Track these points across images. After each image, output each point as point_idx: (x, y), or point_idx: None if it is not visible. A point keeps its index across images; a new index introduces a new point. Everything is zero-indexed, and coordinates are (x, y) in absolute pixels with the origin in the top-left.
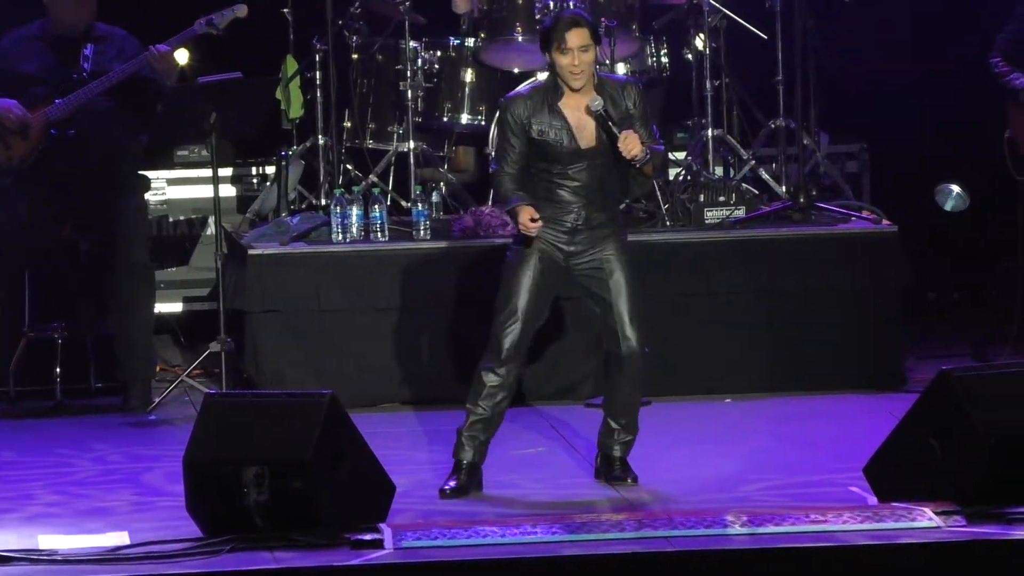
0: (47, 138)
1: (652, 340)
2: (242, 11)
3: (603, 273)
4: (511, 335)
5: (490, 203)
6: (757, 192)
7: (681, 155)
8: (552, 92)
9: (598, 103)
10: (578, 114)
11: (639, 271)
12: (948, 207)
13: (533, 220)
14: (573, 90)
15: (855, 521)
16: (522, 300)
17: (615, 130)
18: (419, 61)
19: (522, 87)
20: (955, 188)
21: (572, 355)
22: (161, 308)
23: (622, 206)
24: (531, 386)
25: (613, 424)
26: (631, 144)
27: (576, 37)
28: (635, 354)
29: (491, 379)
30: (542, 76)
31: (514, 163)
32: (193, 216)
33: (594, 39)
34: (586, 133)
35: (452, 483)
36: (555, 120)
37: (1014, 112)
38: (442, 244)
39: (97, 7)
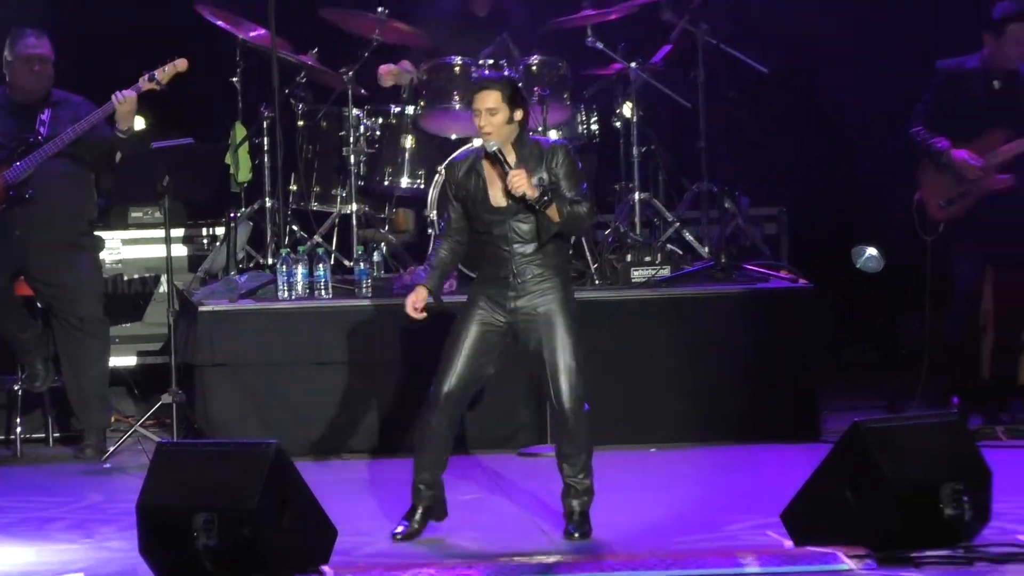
0: (6, 200)
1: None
2: (182, 65)
3: (542, 329)
4: (445, 388)
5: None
6: (681, 252)
7: (610, 217)
8: (481, 153)
9: (493, 145)
10: (494, 174)
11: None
12: (865, 268)
13: (416, 308)
14: (488, 151)
15: (773, 564)
16: (459, 360)
17: (506, 168)
18: (361, 128)
19: (459, 152)
20: (871, 250)
21: (509, 406)
22: (116, 361)
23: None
24: (470, 435)
25: (566, 480)
26: (518, 181)
27: (480, 100)
28: (568, 410)
29: (429, 428)
30: (477, 142)
31: (453, 225)
32: (147, 274)
33: (508, 102)
34: (499, 193)
35: (403, 527)
36: (477, 180)
37: (926, 177)
38: (383, 301)
39: (53, 74)
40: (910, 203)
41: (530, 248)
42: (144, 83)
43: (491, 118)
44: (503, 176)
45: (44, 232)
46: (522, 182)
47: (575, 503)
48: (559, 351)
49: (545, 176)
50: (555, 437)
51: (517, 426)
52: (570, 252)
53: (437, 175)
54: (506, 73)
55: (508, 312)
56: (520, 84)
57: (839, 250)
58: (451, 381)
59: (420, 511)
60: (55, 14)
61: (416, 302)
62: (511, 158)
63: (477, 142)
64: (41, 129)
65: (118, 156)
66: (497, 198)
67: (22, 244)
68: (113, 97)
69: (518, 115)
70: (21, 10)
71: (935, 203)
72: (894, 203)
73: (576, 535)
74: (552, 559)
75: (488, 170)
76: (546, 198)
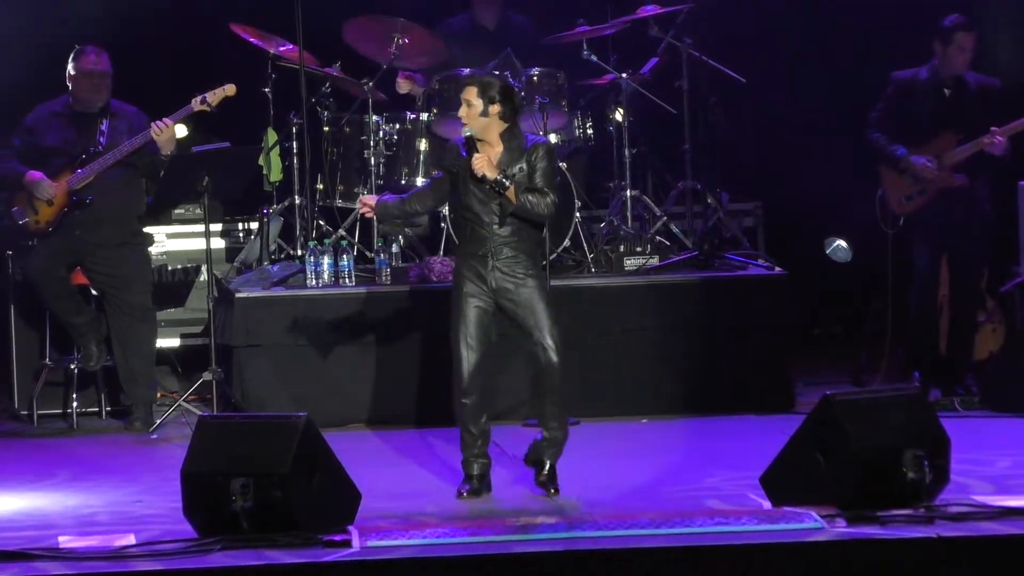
0: (69, 203)
1: (579, 369)
2: (231, 89)
3: (522, 300)
4: (466, 373)
5: (441, 253)
6: (668, 244)
7: (604, 212)
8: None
9: (467, 131)
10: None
11: (566, 309)
12: (834, 257)
13: (365, 204)
14: (481, 141)
15: (752, 523)
16: (467, 346)
17: (474, 151)
18: (380, 132)
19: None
20: (840, 242)
21: (512, 381)
22: (161, 343)
23: (552, 255)
24: None
25: (544, 432)
26: (479, 163)
27: (467, 93)
28: (552, 365)
29: (465, 409)
30: None
31: (422, 191)
32: (188, 265)
33: (483, 97)
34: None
35: (467, 488)
36: (461, 160)
37: (886, 176)
38: (400, 288)
39: (112, 86)
40: (873, 199)
41: (506, 231)
42: (196, 104)
43: (467, 109)
44: (467, 149)
45: (101, 232)
46: (482, 164)
47: (548, 454)
48: (541, 321)
49: (524, 167)
50: (537, 395)
51: (523, 398)
52: (542, 241)
53: None
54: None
55: (492, 290)
56: (513, 89)
57: (811, 240)
58: (468, 366)
59: (477, 474)
60: (108, 34)
61: (368, 200)
62: (497, 148)
63: None
64: (101, 139)
65: (161, 172)
66: (474, 180)
67: (81, 242)
68: (152, 126)
69: (493, 110)
70: (80, 30)
71: (896, 199)
72: (859, 199)
73: (551, 491)
74: (553, 519)
75: (456, 151)
76: (504, 180)
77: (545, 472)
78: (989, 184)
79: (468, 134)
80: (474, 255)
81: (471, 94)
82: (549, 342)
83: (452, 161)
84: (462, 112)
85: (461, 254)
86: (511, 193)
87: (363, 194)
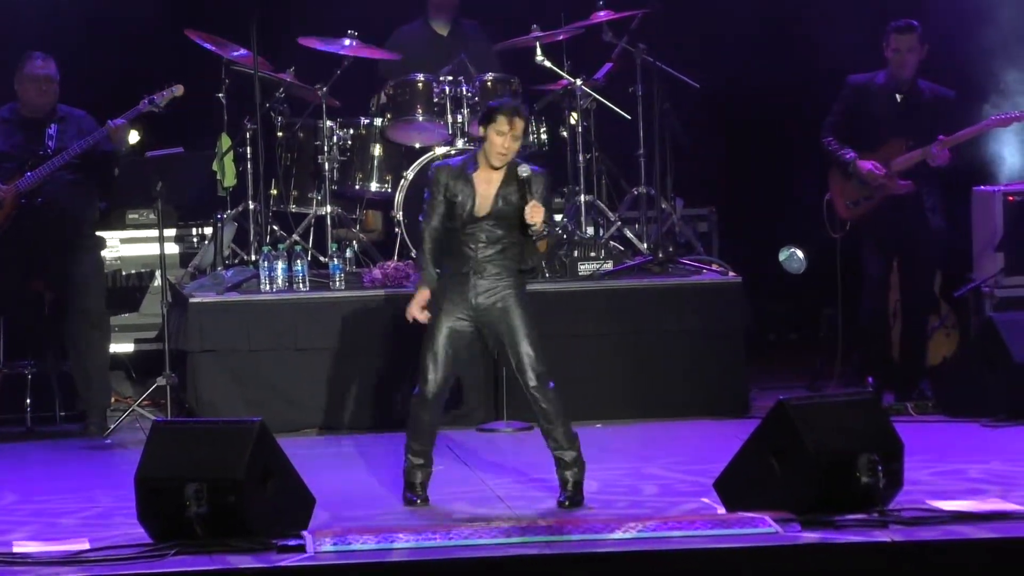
0: (18, 207)
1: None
2: (179, 90)
3: (503, 324)
4: (431, 389)
5: (395, 258)
6: (623, 248)
7: (558, 217)
8: (471, 164)
9: (525, 170)
10: (485, 187)
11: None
12: (788, 267)
13: (422, 307)
14: (492, 167)
15: (707, 527)
16: (437, 363)
17: (529, 198)
18: (334, 138)
19: (451, 159)
20: (797, 251)
21: (469, 387)
22: (115, 348)
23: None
24: None
25: (554, 454)
26: (536, 213)
27: (514, 125)
28: (536, 390)
29: (421, 423)
30: (439, 150)
31: (437, 218)
32: (143, 270)
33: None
34: (485, 203)
35: (411, 495)
36: (466, 188)
37: (834, 180)
38: (354, 293)
39: (59, 91)
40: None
41: (491, 250)
42: (144, 106)
43: (513, 144)
44: (515, 197)
45: (52, 236)
46: (540, 214)
47: (567, 474)
48: (521, 342)
49: (516, 188)
50: (535, 417)
51: (476, 404)
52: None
53: (403, 180)
54: (463, 88)
55: (471, 308)
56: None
57: (764, 245)
58: (434, 382)
59: (420, 483)
60: (60, 38)
61: (421, 303)
62: (501, 172)
63: (439, 150)
64: (49, 143)
65: (116, 171)
66: (482, 208)
67: (34, 246)
68: (108, 124)
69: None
70: (29, 36)
71: (842, 204)
72: (814, 205)
73: (567, 503)
74: (507, 523)
75: (477, 180)
76: (546, 232)
77: (568, 489)
78: (937, 191)
79: (526, 174)
80: (456, 273)
81: (522, 128)
82: (535, 370)
83: (459, 188)
84: (508, 145)
85: (442, 273)
86: (544, 244)
87: (316, 199)
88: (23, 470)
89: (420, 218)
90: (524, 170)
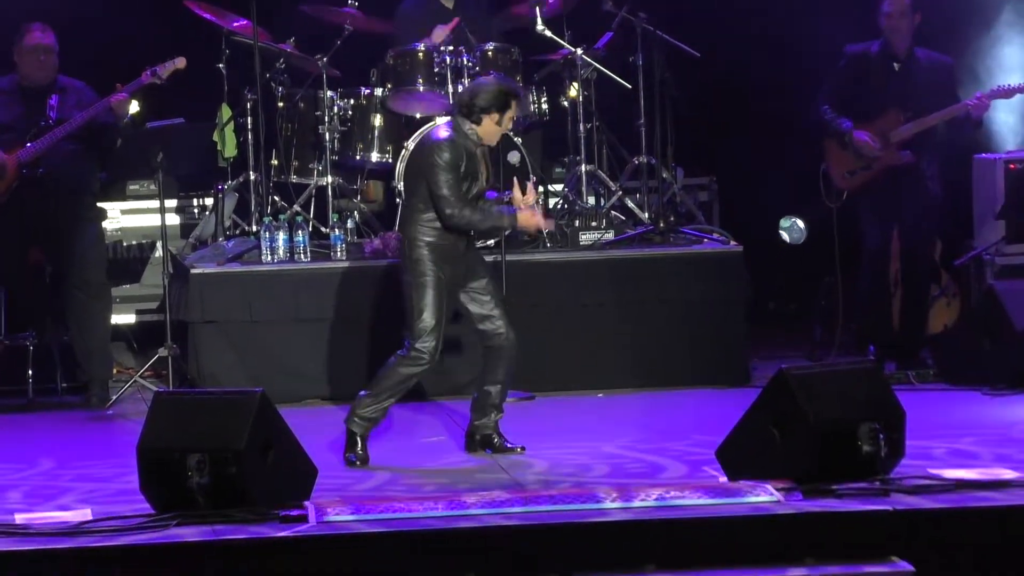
0: (19, 177)
1: (534, 344)
2: (181, 63)
3: (481, 284)
4: (435, 346)
5: (396, 229)
6: (624, 218)
7: (559, 187)
8: (466, 141)
9: (516, 157)
10: (483, 162)
11: (521, 284)
12: (789, 236)
13: (533, 215)
14: (483, 143)
15: (709, 496)
16: (439, 322)
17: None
18: (335, 108)
19: (442, 135)
20: (798, 221)
21: (465, 359)
22: (117, 319)
23: None
24: (431, 382)
25: (494, 406)
26: (532, 197)
27: (516, 107)
28: (514, 340)
29: (410, 380)
30: (440, 120)
31: (466, 196)
32: (144, 241)
33: None
34: (483, 177)
35: (355, 458)
36: (477, 166)
37: (831, 150)
38: (355, 263)
39: (59, 63)
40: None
41: None
42: (146, 77)
43: (510, 123)
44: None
45: (54, 206)
46: (546, 224)
47: (493, 426)
48: (497, 299)
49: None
50: (491, 370)
51: (472, 376)
52: None
53: (404, 150)
54: (465, 59)
55: (453, 273)
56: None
57: (766, 215)
58: (437, 341)
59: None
60: (61, 9)
61: (534, 214)
62: (480, 149)
63: (440, 120)
64: (51, 113)
65: (118, 142)
66: (481, 183)
67: (35, 217)
68: (112, 98)
69: None
70: (28, 7)
71: (839, 173)
72: (814, 174)
73: (519, 448)
74: (510, 494)
75: (479, 157)
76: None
77: (499, 438)
78: (936, 161)
79: (516, 160)
80: (444, 238)
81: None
82: (508, 327)
83: (472, 167)
84: (507, 123)
85: (435, 237)
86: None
87: (317, 170)
88: (25, 442)
89: (451, 210)
90: (514, 157)
